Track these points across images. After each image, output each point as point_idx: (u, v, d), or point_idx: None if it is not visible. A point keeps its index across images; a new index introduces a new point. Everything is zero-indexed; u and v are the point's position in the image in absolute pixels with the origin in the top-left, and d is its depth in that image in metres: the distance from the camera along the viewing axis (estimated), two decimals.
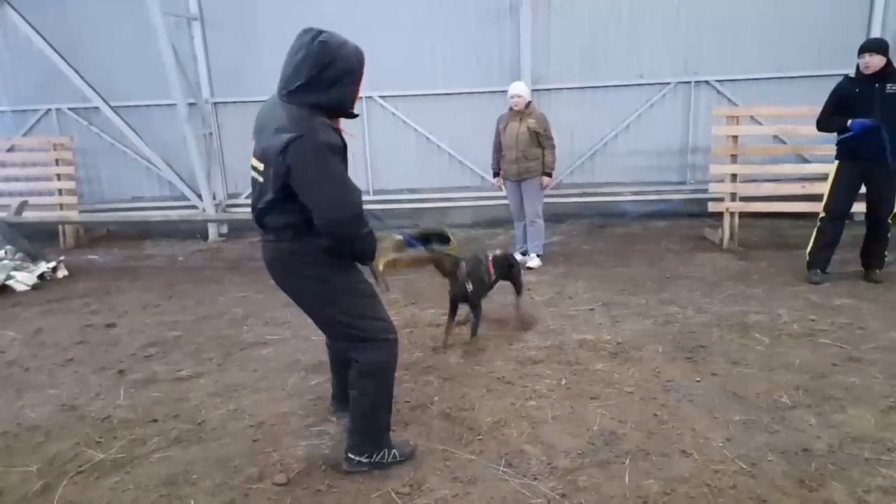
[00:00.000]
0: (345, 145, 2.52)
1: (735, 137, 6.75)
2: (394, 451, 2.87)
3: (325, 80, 2.43)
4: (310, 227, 2.52)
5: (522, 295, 4.86)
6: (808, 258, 5.45)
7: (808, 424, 3.08)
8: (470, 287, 4.14)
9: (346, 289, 2.73)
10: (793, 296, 5.06)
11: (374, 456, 2.81)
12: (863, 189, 5.28)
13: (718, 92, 8.13)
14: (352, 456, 2.81)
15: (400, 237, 3.30)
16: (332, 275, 2.69)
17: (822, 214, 5.35)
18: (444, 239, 3.63)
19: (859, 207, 5.39)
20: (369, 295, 2.80)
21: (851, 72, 5.19)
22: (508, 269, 4.69)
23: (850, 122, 5.01)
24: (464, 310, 4.43)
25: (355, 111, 2.62)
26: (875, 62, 4.91)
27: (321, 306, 2.75)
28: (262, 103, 2.69)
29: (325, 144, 2.41)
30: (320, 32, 2.42)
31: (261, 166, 2.57)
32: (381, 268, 3.15)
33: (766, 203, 6.84)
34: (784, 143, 7.37)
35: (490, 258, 4.49)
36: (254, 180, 2.65)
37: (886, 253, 5.36)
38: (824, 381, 3.54)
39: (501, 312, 4.82)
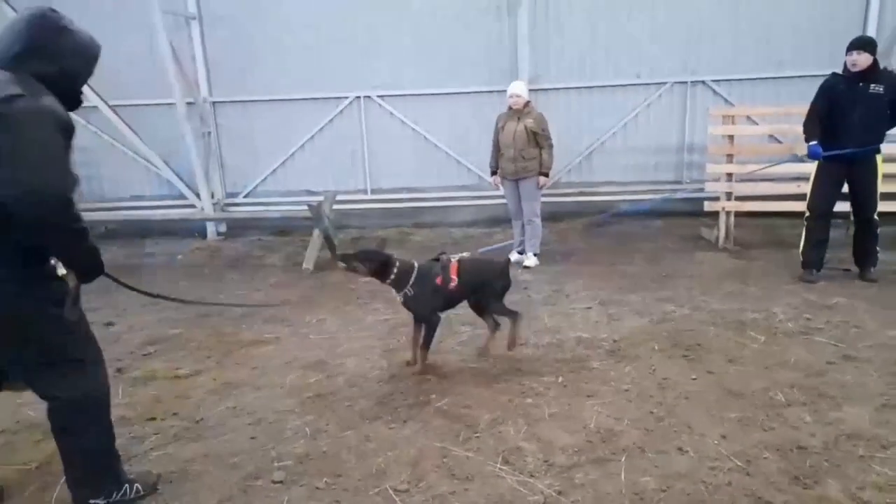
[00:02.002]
0: (72, 127, 2.21)
1: (731, 137, 6.79)
2: (135, 484, 2.60)
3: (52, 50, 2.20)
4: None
5: (513, 320, 3.95)
6: (801, 258, 5.49)
7: (804, 422, 3.10)
8: (410, 293, 3.69)
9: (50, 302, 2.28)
10: (788, 294, 5.08)
11: (111, 492, 2.51)
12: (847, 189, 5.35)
13: (715, 92, 8.16)
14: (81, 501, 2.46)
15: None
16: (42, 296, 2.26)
17: (806, 213, 5.41)
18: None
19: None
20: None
21: (841, 69, 5.22)
22: (486, 279, 3.92)
23: (809, 145, 5.15)
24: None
25: None
26: (862, 60, 4.95)
27: (36, 342, 2.28)
28: None
29: (51, 112, 2.11)
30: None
31: None
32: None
33: (762, 202, 6.87)
34: (780, 142, 7.40)
35: (455, 262, 3.81)
36: None
37: (878, 249, 5.39)
38: (820, 379, 3.56)
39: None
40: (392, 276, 3.68)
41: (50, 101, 2.14)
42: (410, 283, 3.68)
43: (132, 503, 2.58)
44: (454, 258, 3.84)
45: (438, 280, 3.72)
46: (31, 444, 3.19)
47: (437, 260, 3.83)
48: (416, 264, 3.77)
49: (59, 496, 2.71)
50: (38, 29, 2.19)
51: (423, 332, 3.80)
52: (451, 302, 3.89)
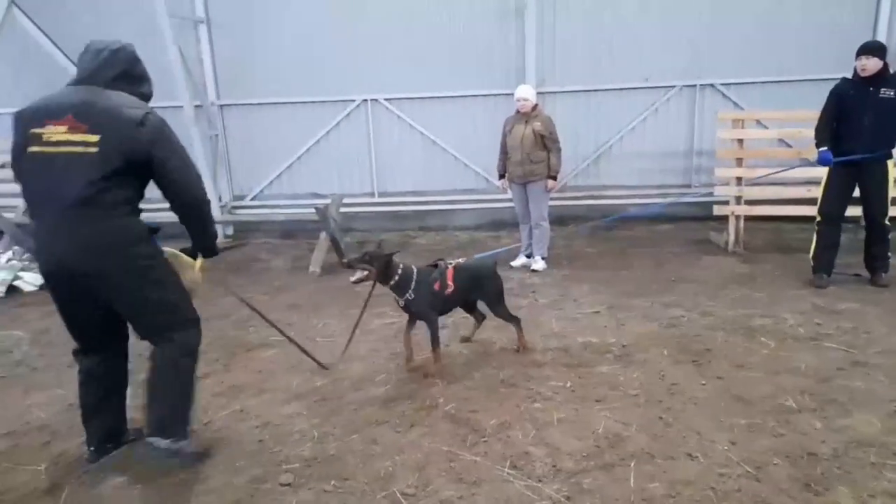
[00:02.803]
0: None
1: (740, 141, 6.75)
2: (194, 442, 2.94)
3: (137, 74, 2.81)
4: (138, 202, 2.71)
5: (516, 325, 4.18)
6: (811, 262, 5.45)
7: (814, 428, 3.07)
8: (411, 297, 3.77)
9: (169, 268, 2.84)
10: (798, 299, 5.05)
11: (182, 436, 2.79)
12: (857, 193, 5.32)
13: (724, 95, 8.14)
14: (156, 440, 2.75)
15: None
16: (159, 254, 2.81)
17: (817, 218, 5.38)
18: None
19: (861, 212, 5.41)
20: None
21: (851, 73, 5.20)
22: (478, 283, 4.09)
23: (820, 151, 5.16)
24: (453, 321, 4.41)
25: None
26: (871, 65, 4.93)
27: (150, 287, 2.71)
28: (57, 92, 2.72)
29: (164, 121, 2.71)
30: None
31: (94, 138, 2.52)
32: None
33: (771, 206, 6.84)
34: (789, 146, 7.36)
35: (451, 268, 3.94)
36: (65, 155, 2.52)
37: (890, 254, 5.35)
38: (829, 385, 3.53)
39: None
40: (395, 279, 3.75)
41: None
42: (411, 287, 3.77)
43: (186, 456, 2.84)
44: (450, 264, 3.97)
45: (437, 286, 3.85)
46: (39, 446, 3.20)
47: (436, 266, 3.95)
48: (415, 269, 3.87)
49: (68, 498, 2.72)
50: (126, 57, 2.73)
51: (429, 334, 3.88)
52: (448, 305, 4.02)
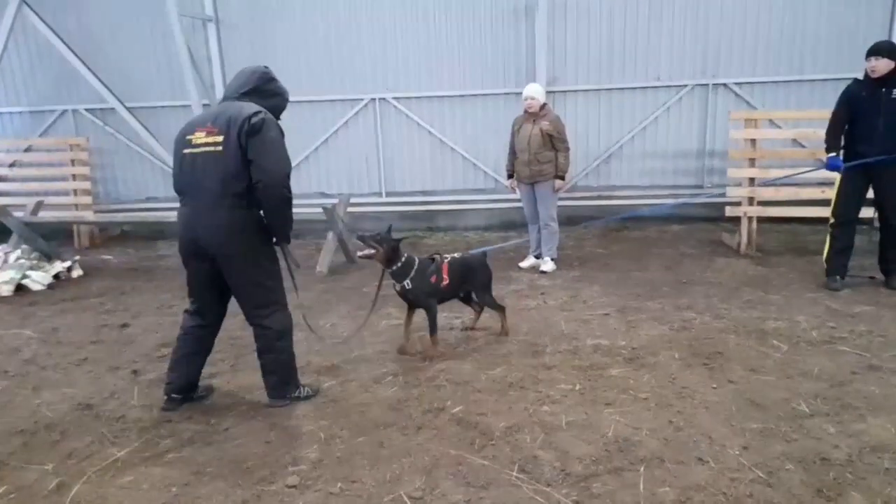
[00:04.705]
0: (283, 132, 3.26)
1: (753, 141, 6.68)
2: (306, 387, 3.61)
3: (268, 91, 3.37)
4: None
5: (500, 313, 4.52)
6: (825, 265, 5.39)
7: (827, 433, 3.03)
8: (409, 285, 4.07)
9: (273, 256, 3.41)
10: (812, 302, 4.99)
11: (293, 392, 3.53)
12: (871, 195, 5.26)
13: (736, 95, 8.06)
14: (275, 400, 3.50)
15: None
16: (266, 241, 3.35)
17: (831, 220, 5.32)
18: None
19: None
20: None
21: (862, 75, 5.14)
22: (469, 273, 4.40)
23: (829, 156, 5.16)
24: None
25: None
26: (881, 66, 4.88)
27: (256, 270, 3.31)
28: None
29: (275, 121, 3.23)
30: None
31: (220, 139, 3.11)
32: None
33: (784, 208, 6.77)
34: (803, 146, 7.28)
35: (446, 263, 4.24)
36: (203, 154, 3.16)
37: None
38: (843, 390, 3.48)
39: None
40: (398, 264, 4.05)
41: (272, 115, 3.23)
42: (411, 276, 4.05)
43: (307, 399, 3.57)
44: (445, 259, 4.26)
45: (433, 279, 4.14)
46: (48, 445, 3.20)
47: (433, 260, 4.23)
48: (416, 259, 4.16)
49: (76, 496, 2.72)
50: (257, 77, 3.32)
51: (428, 322, 4.16)
52: (443, 297, 4.28)
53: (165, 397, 3.52)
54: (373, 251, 4.01)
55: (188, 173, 3.24)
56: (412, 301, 4.19)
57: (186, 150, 3.23)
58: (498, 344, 4.35)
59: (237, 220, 3.21)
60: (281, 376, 3.50)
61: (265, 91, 3.33)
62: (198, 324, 3.49)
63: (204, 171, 3.16)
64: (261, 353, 3.49)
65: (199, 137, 3.16)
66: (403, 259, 4.07)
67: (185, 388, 3.54)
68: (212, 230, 3.19)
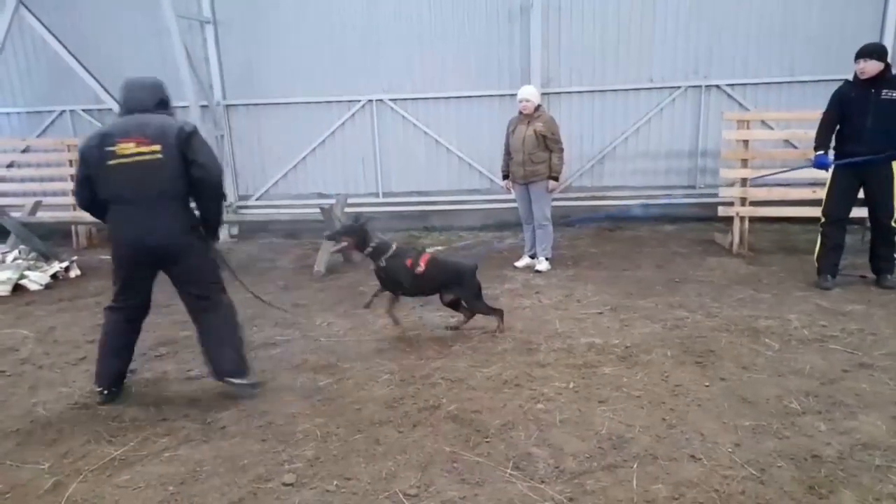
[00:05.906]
0: None
1: (745, 142, 6.73)
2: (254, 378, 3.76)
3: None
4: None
5: (497, 317, 4.58)
6: (816, 264, 5.44)
7: (818, 430, 3.06)
8: (383, 264, 4.32)
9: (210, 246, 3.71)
10: (803, 301, 5.03)
11: (248, 376, 3.66)
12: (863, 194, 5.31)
13: (729, 96, 8.11)
14: (234, 380, 3.60)
15: None
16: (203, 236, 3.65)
17: (822, 219, 5.37)
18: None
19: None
20: None
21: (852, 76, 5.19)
22: (456, 280, 4.49)
23: (816, 154, 5.23)
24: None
25: None
26: (870, 68, 4.93)
27: (205, 254, 3.63)
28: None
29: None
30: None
31: (157, 148, 3.34)
32: None
33: (776, 208, 6.82)
34: (795, 147, 7.33)
35: (428, 253, 4.53)
36: (138, 163, 3.35)
37: (895, 256, 5.32)
38: (834, 387, 3.52)
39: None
40: (370, 248, 4.31)
41: None
42: (386, 256, 4.30)
43: (257, 387, 3.72)
44: (429, 250, 4.44)
45: (409, 262, 4.34)
46: (44, 444, 3.21)
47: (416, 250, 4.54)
48: (394, 244, 4.40)
49: (72, 495, 2.73)
50: (160, 89, 3.58)
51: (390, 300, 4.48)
52: (417, 287, 4.45)
53: (105, 392, 3.63)
54: (345, 243, 4.34)
55: (121, 182, 3.37)
56: (384, 281, 4.40)
57: (112, 162, 3.35)
58: (493, 342, 4.38)
59: (184, 217, 3.51)
60: (239, 352, 3.66)
61: (167, 101, 3.63)
62: (126, 318, 3.66)
63: (142, 178, 3.36)
64: (219, 327, 3.63)
65: (128, 148, 3.33)
66: (376, 242, 4.33)
67: (119, 381, 3.71)
68: (165, 229, 3.43)
